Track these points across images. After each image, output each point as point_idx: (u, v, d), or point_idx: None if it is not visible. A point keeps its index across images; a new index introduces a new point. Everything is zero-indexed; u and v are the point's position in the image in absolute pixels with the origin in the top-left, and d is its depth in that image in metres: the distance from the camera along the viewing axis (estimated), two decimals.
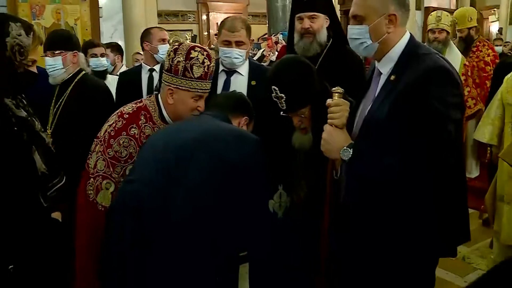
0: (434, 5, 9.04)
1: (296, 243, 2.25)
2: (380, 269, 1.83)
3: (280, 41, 7.57)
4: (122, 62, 5.02)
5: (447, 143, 1.64)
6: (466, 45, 4.85)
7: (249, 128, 2.28)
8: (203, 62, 2.18)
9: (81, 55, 3.05)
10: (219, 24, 2.88)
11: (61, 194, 2.06)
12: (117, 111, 2.25)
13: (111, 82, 4.07)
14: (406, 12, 1.80)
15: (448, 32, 4.43)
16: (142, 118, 2.21)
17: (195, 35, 11.12)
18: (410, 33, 1.84)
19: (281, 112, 2.15)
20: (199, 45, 2.32)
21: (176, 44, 2.28)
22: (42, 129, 2.01)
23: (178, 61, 2.19)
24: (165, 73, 2.24)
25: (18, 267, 1.73)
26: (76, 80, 2.96)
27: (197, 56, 2.18)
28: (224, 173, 1.89)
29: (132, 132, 2.16)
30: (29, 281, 1.80)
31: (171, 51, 2.24)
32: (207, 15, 13.04)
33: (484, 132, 3.51)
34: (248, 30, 2.72)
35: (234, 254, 2.08)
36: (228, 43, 2.67)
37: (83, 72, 3.04)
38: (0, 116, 1.74)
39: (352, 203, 1.89)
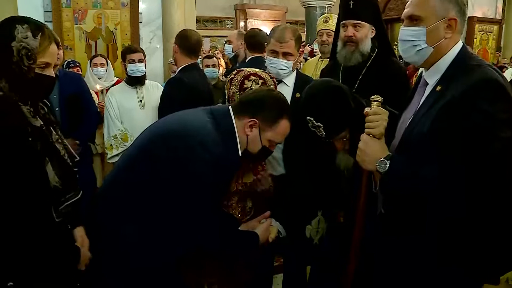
0: (479, 14, 8.70)
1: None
2: None
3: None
4: None
5: (491, 162, 1.51)
6: None
7: (265, 135, 2.02)
8: None
9: None
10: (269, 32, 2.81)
11: (76, 209, 1.86)
12: None
13: (149, 88, 4.12)
14: (464, 21, 1.72)
15: None
16: None
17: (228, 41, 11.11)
18: (463, 43, 1.75)
19: (322, 139, 2.08)
20: (255, 72, 2.25)
21: (233, 74, 2.26)
22: (60, 140, 1.86)
23: (233, 92, 2.17)
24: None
25: (19, 284, 1.61)
26: None
27: (250, 87, 2.13)
28: (168, 172, 1.86)
29: None
30: None
31: (228, 81, 2.23)
32: (245, 22, 13.09)
33: None
34: (298, 40, 2.65)
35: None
36: (275, 53, 2.61)
37: None
38: (16, 125, 1.62)
39: (388, 219, 1.82)
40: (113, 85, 4.56)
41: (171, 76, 4.60)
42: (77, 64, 4.90)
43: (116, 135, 3.88)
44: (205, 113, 2.00)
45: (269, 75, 2.28)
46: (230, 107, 2.04)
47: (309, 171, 2.39)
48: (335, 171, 2.21)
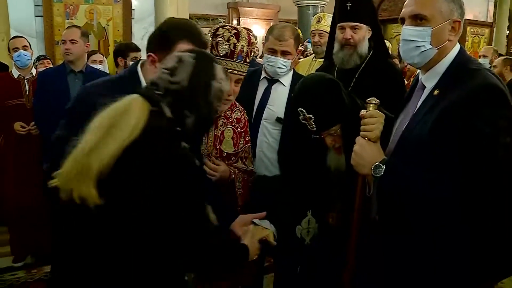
0: (470, 17, 8.71)
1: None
2: None
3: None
4: None
5: (493, 169, 1.48)
6: None
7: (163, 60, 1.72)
8: (228, 40, 2.15)
9: None
10: (267, 30, 2.83)
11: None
12: None
13: None
14: (462, 24, 1.70)
15: None
16: None
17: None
18: (461, 46, 1.71)
19: (312, 135, 2.04)
20: (232, 25, 2.28)
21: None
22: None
23: (209, 40, 2.18)
24: None
25: None
26: None
27: (222, 34, 2.16)
28: None
29: None
30: None
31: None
32: (238, 20, 13.02)
33: None
34: (297, 40, 2.63)
35: None
36: (273, 52, 2.58)
37: None
38: (182, 164, 1.48)
39: (383, 223, 1.78)
40: None
41: None
42: (47, 57, 4.78)
43: None
44: None
45: (246, 29, 2.29)
46: None
47: (301, 170, 2.37)
48: (325, 171, 2.19)
